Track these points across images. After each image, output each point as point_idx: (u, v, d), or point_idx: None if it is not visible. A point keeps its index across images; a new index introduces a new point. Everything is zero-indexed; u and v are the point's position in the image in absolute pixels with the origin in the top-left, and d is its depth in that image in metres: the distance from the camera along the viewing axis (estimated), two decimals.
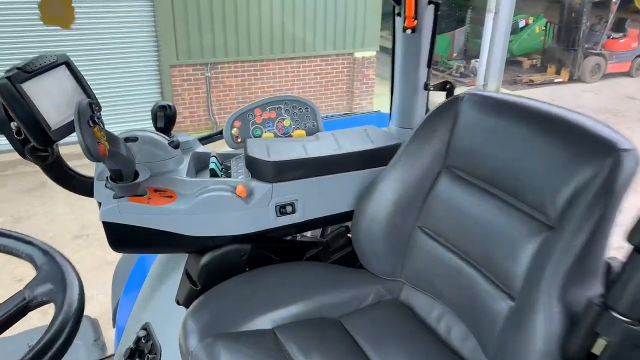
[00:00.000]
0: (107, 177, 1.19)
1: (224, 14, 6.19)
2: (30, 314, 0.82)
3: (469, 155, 1.18)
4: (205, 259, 1.31)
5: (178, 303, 1.40)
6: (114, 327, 1.81)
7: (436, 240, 1.23)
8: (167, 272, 1.52)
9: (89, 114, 0.99)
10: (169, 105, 1.43)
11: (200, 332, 1.12)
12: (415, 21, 1.35)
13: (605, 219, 0.90)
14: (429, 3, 1.37)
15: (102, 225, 1.25)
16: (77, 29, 5.73)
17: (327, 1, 6.66)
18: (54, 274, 0.82)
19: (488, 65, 7.02)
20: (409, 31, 1.37)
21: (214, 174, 1.35)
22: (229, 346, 1.08)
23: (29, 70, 1.12)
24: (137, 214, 1.23)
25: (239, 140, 1.48)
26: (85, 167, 1.37)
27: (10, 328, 0.79)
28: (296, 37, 6.68)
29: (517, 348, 0.93)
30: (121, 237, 1.26)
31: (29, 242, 0.89)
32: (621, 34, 9.40)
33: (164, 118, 1.41)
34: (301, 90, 7.00)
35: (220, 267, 1.32)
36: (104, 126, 1.05)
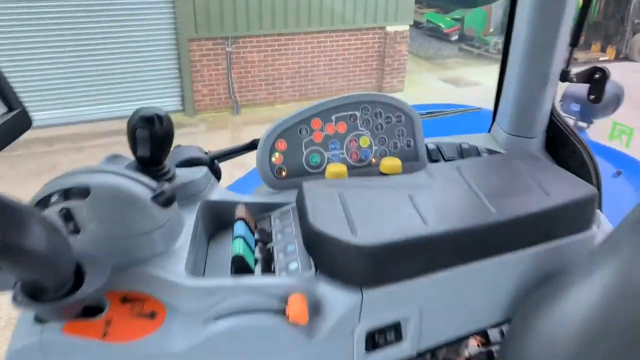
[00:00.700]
0: (15, 284, 0.56)
1: None
2: None
3: None
4: None
5: None
6: None
7: None
8: None
9: None
10: (159, 116, 0.76)
11: None
12: None
13: None
14: None
15: None
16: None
17: None
18: None
19: None
20: None
21: (240, 263, 0.71)
22: None
23: None
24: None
25: (284, 174, 0.91)
26: None
27: None
28: (323, 9, 6.19)
29: None
30: None
31: None
32: None
33: (151, 139, 0.75)
34: (327, 67, 6.54)
35: None
36: None
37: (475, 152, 1.11)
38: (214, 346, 0.63)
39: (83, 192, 0.63)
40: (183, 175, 0.82)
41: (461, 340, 0.86)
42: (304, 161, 0.91)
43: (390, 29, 6.63)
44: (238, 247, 0.71)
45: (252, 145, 1.03)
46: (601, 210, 1.07)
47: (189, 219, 0.75)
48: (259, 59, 6.17)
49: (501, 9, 9.41)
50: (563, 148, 1.12)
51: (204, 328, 0.63)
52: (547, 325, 0.67)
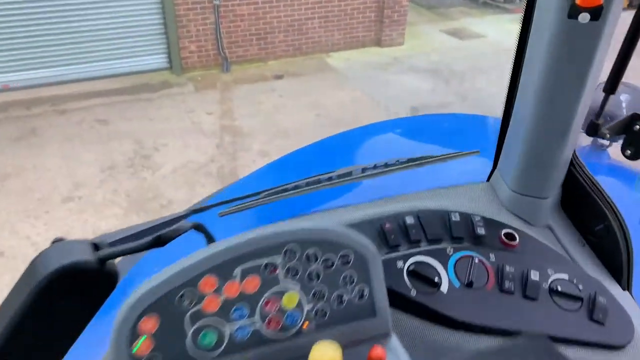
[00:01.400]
0: None
1: None
2: None
3: None
4: None
5: None
6: None
7: None
8: None
9: None
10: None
11: None
12: None
13: None
14: None
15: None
16: None
17: None
18: None
19: None
20: (583, 16, 0.66)
21: None
22: None
23: None
24: None
25: None
26: None
27: None
28: None
29: None
30: None
31: None
32: None
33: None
34: (323, 20, 6.14)
35: None
36: None
37: (467, 226, 0.87)
38: None
39: None
40: None
41: None
42: (188, 344, 0.58)
43: None
44: None
45: (158, 242, 0.67)
46: (630, 291, 0.87)
47: None
48: (249, 11, 5.78)
49: None
50: (583, 208, 0.90)
51: None
52: None
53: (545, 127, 0.81)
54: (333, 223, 0.64)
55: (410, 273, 0.79)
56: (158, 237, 0.66)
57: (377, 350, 0.58)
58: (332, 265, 0.61)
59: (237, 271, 0.60)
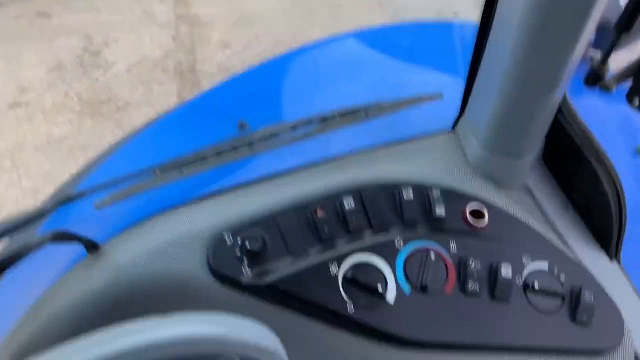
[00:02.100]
0: None
1: None
2: None
3: None
4: None
5: None
6: None
7: None
8: None
9: None
10: None
11: None
12: None
13: None
14: None
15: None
16: None
17: None
18: None
19: None
20: None
21: None
22: None
23: None
24: None
25: None
26: None
27: None
28: None
29: None
30: None
31: None
32: None
33: None
34: None
35: None
36: None
37: (423, 205, 0.68)
38: None
39: None
40: None
41: None
42: None
43: None
44: None
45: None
46: (619, 261, 0.74)
47: None
48: None
49: None
50: (571, 164, 0.72)
51: None
52: None
53: (530, 69, 0.59)
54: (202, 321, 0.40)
55: (348, 281, 0.64)
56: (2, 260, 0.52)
57: None
58: None
59: None
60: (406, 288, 0.64)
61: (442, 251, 0.66)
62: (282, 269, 0.63)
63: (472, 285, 0.64)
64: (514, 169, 0.72)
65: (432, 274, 0.64)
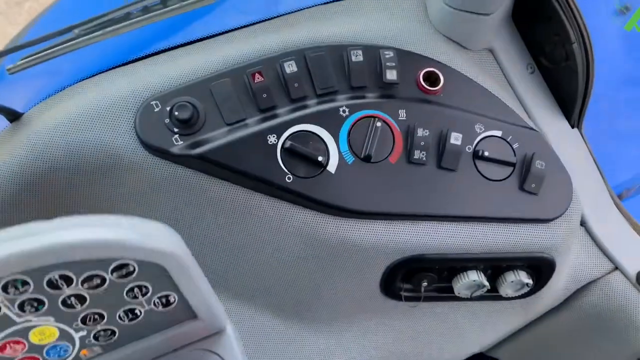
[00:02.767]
0: None
1: None
2: None
3: None
4: None
5: None
6: None
7: None
8: None
9: None
10: None
11: None
12: None
13: None
14: None
15: None
16: None
17: None
18: None
19: None
20: None
21: None
22: None
23: None
24: None
25: None
26: None
27: None
28: None
29: None
30: None
31: None
32: None
33: None
34: None
35: None
36: None
37: (373, 68, 0.62)
38: None
39: None
40: None
41: None
42: None
43: None
44: None
45: None
46: (580, 129, 0.69)
47: None
48: None
49: None
50: (541, 23, 0.65)
51: None
52: None
53: None
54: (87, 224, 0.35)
55: (286, 151, 0.58)
56: None
57: None
58: (104, 282, 0.39)
59: None
60: (349, 158, 0.59)
61: (390, 119, 0.60)
62: (216, 139, 0.57)
63: (417, 154, 0.60)
64: (478, 27, 0.64)
65: (378, 143, 0.59)
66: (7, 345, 0.39)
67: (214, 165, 0.57)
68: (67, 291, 0.38)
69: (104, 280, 0.38)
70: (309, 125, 0.58)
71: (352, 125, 0.59)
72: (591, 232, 0.69)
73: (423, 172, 0.60)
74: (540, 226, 0.64)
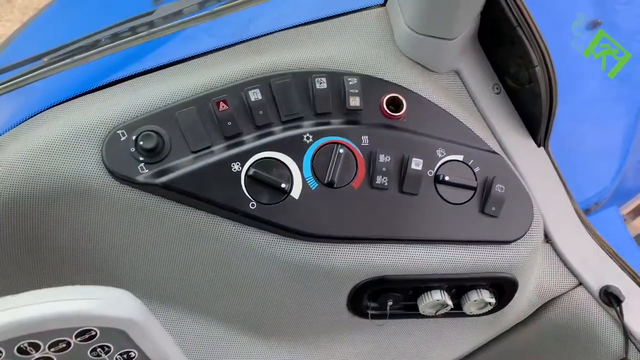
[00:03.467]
0: None
1: None
2: None
3: None
4: None
5: None
6: None
7: None
8: None
9: None
10: None
11: None
12: None
13: None
14: None
15: None
16: None
17: None
18: None
19: None
20: None
21: None
22: None
23: None
24: None
25: None
26: None
27: None
28: None
29: None
30: None
31: None
32: None
33: None
34: None
35: None
36: None
37: (338, 94, 0.63)
38: None
39: None
40: None
41: None
42: None
43: None
44: None
45: None
46: (546, 147, 0.71)
47: None
48: None
49: None
50: (506, 45, 0.65)
51: None
52: None
53: None
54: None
55: (250, 178, 0.59)
56: None
57: None
58: (69, 346, 0.45)
59: None
60: (313, 184, 0.61)
61: (353, 144, 0.61)
62: (181, 167, 0.58)
63: (380, 179, 0.61)
64: (443, 50, 0.65)
65: (341, 169, 0.60)
66: None
67: (178, 193, 0.58)
68: (36, 355, 0.43)
69: (69, 344, 0.43)
70: (273, 152, 0.60)
71: (316, 152, 0.61)
72: (556, 248, 0.71)
73: (385, 196, 0.62)
74: (501, 247, 0.65)
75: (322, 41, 0.67)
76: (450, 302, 0.66)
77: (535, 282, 0.71)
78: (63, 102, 0.63)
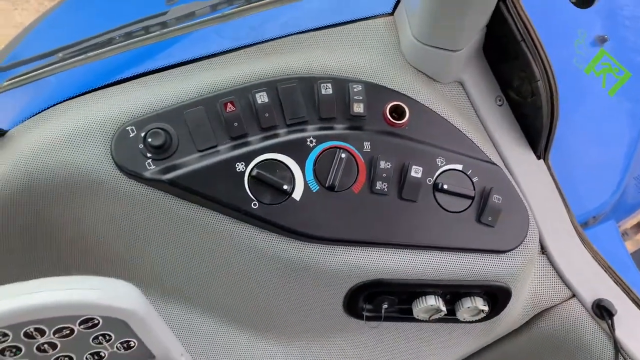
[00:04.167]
0: None
1: None
2: None
3: None
4: None
5: None
6: None
7: None
8: None
9: None
10: None
11: None
12: None
13: None
14: None
15: None
16: None
17: None
18: None
19: None
20: None
21: None
22: None
23: None
24: None
25: None
26: None
27: None
28: None
29: None
30: None
31: None
32: None
33: None
34: None
35: None
36: None
37: (342, 101, 0.64)
38: None
39: None
40: None
41: None
42: None
43: None
44: None
45: None
46: (546, 160, 0.72)
47: None
48: None
49: None
50: (510, 59, 0.66)
51: None
52: None
53: None
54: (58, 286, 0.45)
55: (253, 179, 0.61)
56: None
57: None
58: (72, 332, 0.47)
59: None
60: (314, 187, 0.62)
61: (355, 150, 0.63)
62: (187, 164, 0.60)
63: (380, 185, 0.63)
64: (448, 61, 0.66)
65: (342, 173, 0.62)
66: None
67: (183, 190, 0.60)
68: (41, 340, 0.46)
69: (72, 330, 0.47)
70: (276, 154, 0.61)
71: (319, 155, 0.62)
72: (552, 260, 0.72)
73: (384, 202, 0.63)
74: (496, 256, 0.66)
75: (330, 47, 0.68)
76: (444, 308, 0.67)
77: (529, 292, 0.72)
78: (75, 96, 0.65)
